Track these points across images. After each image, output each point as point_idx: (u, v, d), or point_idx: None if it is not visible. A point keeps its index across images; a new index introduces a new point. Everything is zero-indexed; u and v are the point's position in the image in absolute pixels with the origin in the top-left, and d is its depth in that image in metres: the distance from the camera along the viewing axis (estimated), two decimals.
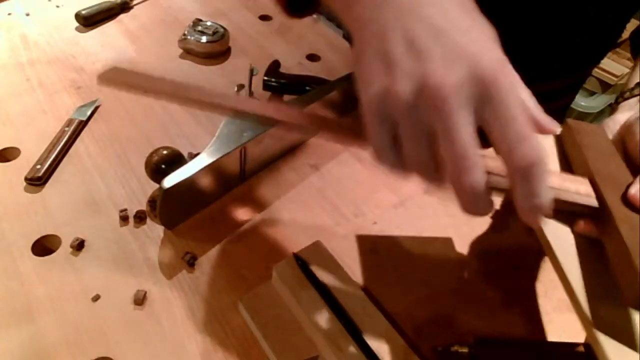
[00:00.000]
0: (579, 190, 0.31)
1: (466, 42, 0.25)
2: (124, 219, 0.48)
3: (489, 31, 0.27)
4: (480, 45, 0.25)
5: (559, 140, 0.38)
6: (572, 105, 0.71)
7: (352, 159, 0.56)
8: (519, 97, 0.25)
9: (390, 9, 0.27)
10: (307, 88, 0.59)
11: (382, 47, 0.27)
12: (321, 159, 0.56)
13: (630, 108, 0.40)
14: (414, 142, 0.26)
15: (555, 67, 0.63)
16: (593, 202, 0.31)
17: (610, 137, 0.37)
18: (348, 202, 0.51)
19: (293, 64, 0.70)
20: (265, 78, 0.61)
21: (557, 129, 0.29)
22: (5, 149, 0.55)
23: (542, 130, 0.28)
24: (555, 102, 0.68)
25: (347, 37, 0.79)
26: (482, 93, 0.24)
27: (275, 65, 0.64)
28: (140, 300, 0.41)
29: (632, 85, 0.44)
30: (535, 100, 0.28)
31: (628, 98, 0.42)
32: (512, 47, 0.59)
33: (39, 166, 0.51)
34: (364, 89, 0.27)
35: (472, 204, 0.26)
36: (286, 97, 0.62)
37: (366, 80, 0.27)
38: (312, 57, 0.72)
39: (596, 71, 1.68)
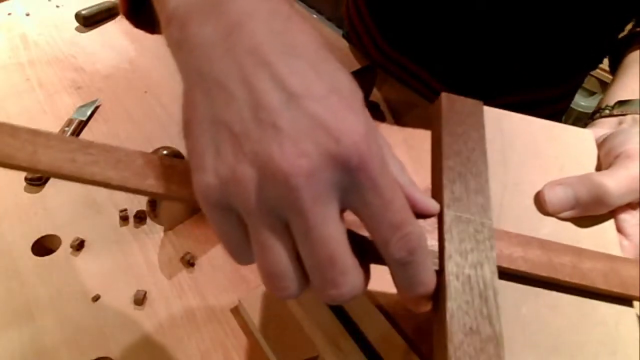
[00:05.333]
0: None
1: (323, 113, 0.19)
2: (124, 219, 0.48)
3: (351, 90, 0.21)
4: (340, 115, 0.20)
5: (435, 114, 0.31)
6: (572, 105, 0.71)
7: None
8: (390, 179, 0.21)
9: (229, 44, 0.21)
10: None
11: (220, 111, 0.20)
12: None
13: (610, 127, 0.37)
14: (265, 247, 0.20)
15: (554, 74, 0.63)
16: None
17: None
18: None
19: None
20: None
21: (435, 209, 0.25)
22: None
23: (419, 211, 0.24)
24: (554, 106, 0.68)
25: (347, 37, 0.79)
26: (345, 179, 0.20)
27: None
28: (140, 300, 0.41)
29: (611, 102, 0.40)
30: (407, 174, 0.24)
31: (606, 116, 0.39)
32: (512, 56, 0.59)
33: None
34: (197, 170, 0.21)
35: (341, 302, 0.21)
36: None
37: (200, 157, 0.20)
38: None
39: (596, 71, 1.68)
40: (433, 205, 0.24)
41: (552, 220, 0.29)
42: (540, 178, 0.31)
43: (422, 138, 0.58)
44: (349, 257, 0.20)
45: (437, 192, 0.26)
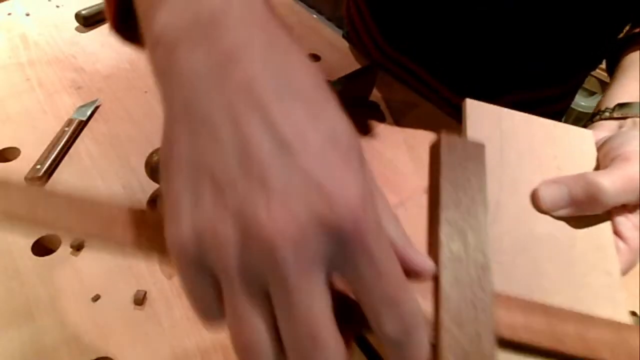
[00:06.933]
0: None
1: (317, 170, 0.17)
2: None
3: (349, 138, 0.19)
4: (336, 173, 0.18)
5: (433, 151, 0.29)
6: (572, 105, 0.70)
7: None
8: (387, 248, 0.19)
9: (220, 77, 0.18)
10: None
11: (203, 153, 0.18)
12: None
13: (611, 130, 0.37)
14: (241, 317, 0.18)
15: (554, 74, 0.63)
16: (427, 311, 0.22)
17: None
18: None
19: None
20: None
21: (431, 269, 0.22)
22: (5, 149, 0.55)
23: (413, 272, 0.22)
24: (554, 106, 0.68)
25: (347, 37, 0.79)
26: (336, 247, 0.17)
27: None
28: (140, 300, 0.41)
29: (611, 104, 0.39)
30: (402, 232, 0.22)
31: (606, 119, 0.39)
32: (512, 56, 0.59)
33: (39, 166, 0.51)
34: (171, 220, 0.18)
35: None
36: None
37: (175, 205, 0.18)
38: (312, 57, 0.72)
39: (596, 71, 1.68)
40: (429, 266, 0.22)
41: (547, 219, 0.29)
42: (538, 177, 0.30)
43: (422, 138, 0.58)
44: (332, 336, 0.18)
45: (433, 247, 0.24)
